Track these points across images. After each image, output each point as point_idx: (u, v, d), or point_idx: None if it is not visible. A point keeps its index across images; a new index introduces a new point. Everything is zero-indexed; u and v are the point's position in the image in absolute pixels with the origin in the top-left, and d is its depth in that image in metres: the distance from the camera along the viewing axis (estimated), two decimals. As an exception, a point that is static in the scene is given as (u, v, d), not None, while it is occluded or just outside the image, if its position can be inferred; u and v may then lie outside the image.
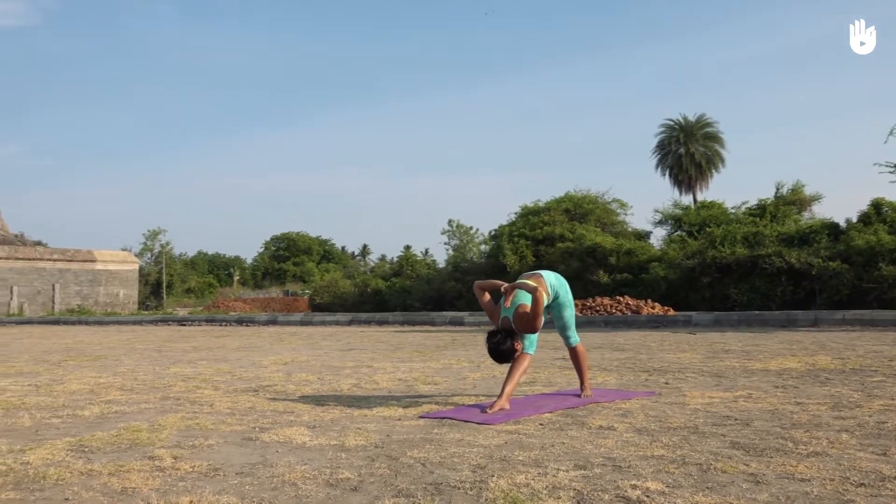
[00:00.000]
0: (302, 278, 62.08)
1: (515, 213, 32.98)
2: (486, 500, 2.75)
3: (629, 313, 15.55)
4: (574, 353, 5.22)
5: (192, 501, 2.78)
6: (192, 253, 74.55)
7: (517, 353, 4.77)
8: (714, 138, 41.37)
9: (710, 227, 26.55)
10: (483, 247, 41.18)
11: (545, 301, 4.86)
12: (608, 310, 15.89)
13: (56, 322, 23.99)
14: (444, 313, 18.67)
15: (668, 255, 26.13)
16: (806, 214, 28.59)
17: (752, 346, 9.44)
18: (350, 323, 18.39)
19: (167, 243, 56.42)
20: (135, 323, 21.44)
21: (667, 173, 41.15)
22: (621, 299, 16.59)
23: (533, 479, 3.01)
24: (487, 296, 5.04)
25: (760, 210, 28.31)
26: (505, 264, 29.69)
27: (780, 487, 2.85)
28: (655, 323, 14.32)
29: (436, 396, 5.47)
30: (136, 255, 51.07)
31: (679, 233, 29.52)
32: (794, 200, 28.91)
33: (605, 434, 3.91)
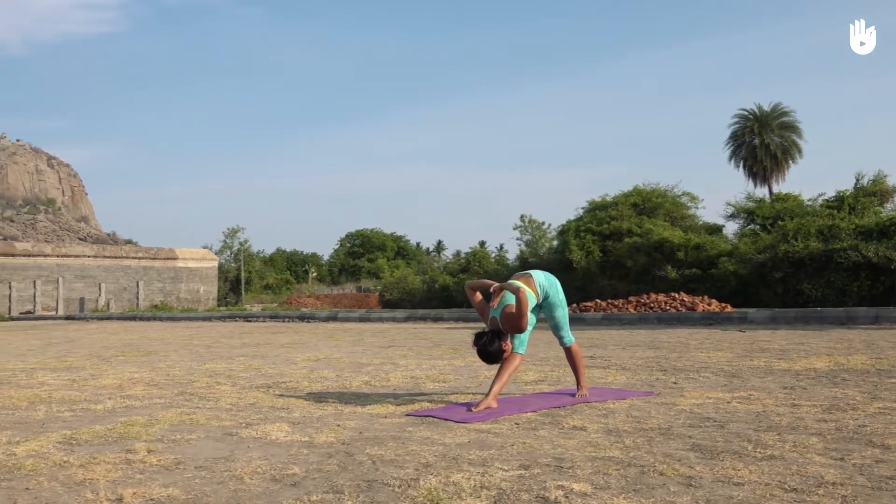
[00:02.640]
0: (375, 275, 63.01)
1: (583, 209, 32.70)
2: (408, 497, 2.82)
3: (684, 310, 15.27)
4: (569, 353, 5.22)
5: (135, 493, 2.94)
6: (270, 250, 76.56)
7: (506, 353, 4.81)
8: (791, 128, 39.90)
9: (783, 220, 25.78)
10: (555, 242, 41.05)
11: (533, 301, 4.89)
12: (662, 306, 15.65)
13: (133, 318, 25.08)
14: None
15: (739, 250, 25.49)
16: (888, 206, 27.37)
17: (796, 345, 9.18)
18: (406, 320, 18.62)
19: (245, 241, 58.16)
20: (204, 319, 22.23)
21: (741, 165, 39.99)
22: (676, 296, 16.29)
23: (468, 478, 3.06)
24: (479, 296, 5.10)
25: (838, 202, 27.29)
26: (571, 260, 29.48)
27: (708, 491, 2.84)
28: (709, 320, 14.02)
29: (436, 394, 5.55)
30: (215, 253, 52.73)
31: (752, 226, 28.73)
32: (874, 191, 27.73)
33: (572, 434, 3.92)
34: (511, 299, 4.79)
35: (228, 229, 58.35)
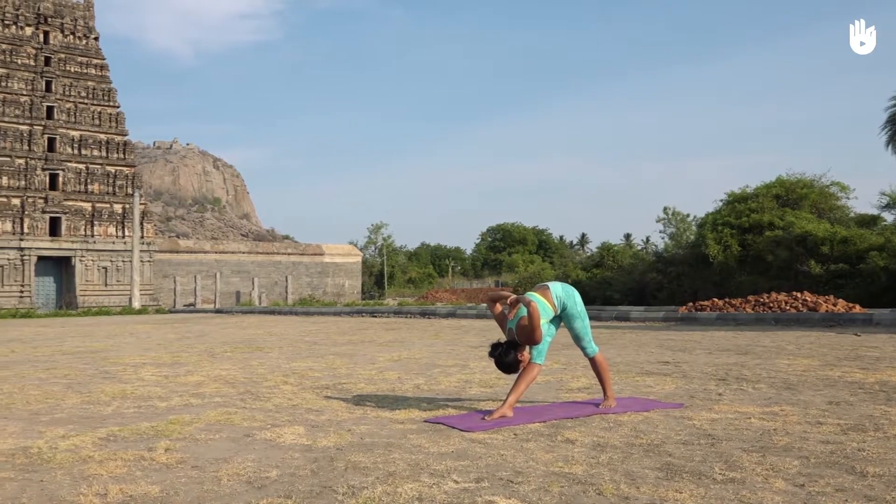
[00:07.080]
0: (514, 269, 63.25)
1: (721, 201, 31.54)
2: (343, 505, 3.05)
3: (805, 310, 14.46)
4: (594, 363, 5.24)
5: (120, 489, 3.33)
6: (414, 245, 78.45)
7: (524, 364, 4.92)
8: (959, 109, 36.38)
9: (945, 210, 23.83)
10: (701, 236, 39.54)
11: (549, 313, 4.97)
12: (781, 307, 14.89)
13: (272, 312, 26.62)
14: (614, 308, 18.45)
15: (892, 243, 23.82)
16: None
17: (901, 352, 8.59)
18: (522, 317, 18.71)
19: (388, 236, 60.06)
20: (334, 314, 23.29)
21: (899, 151, 36.86)
22: (798, 295, 15.44)
23: (414, 488, 3.24)
24: (499, 307, 5.22)
25: None
26: (707, 254, 28.55)
27: (630, 514, 2.88)
28: (830, 322, 13.21)
29: (472, 400, 5.72)
30: (360, 249, 54.73)
31: (910, 217, 26.74)
32: None
33: (556, 448, 3.99)
34: (525, 312, 4.89)
35: (373, 225, 60.66)
